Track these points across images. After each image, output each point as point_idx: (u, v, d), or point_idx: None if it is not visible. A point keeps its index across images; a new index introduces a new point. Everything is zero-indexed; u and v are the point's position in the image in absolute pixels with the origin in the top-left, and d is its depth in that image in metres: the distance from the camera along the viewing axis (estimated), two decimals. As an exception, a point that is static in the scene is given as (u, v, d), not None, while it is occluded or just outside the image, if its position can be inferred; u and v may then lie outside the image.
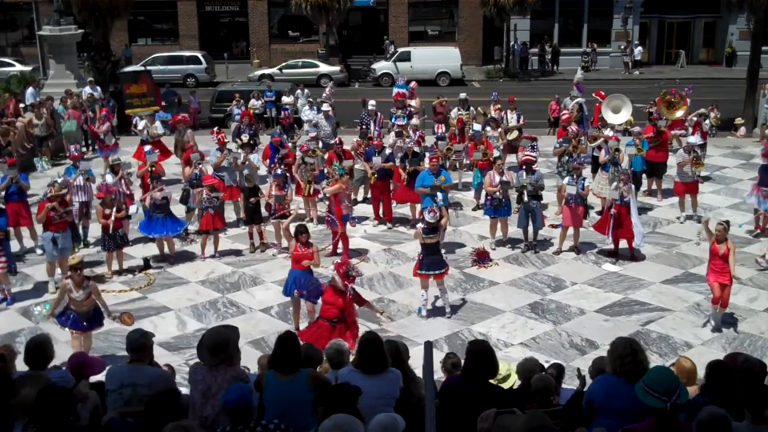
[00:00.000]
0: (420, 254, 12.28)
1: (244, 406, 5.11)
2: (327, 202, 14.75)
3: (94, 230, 15.12)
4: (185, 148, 17.90)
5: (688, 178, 16.08)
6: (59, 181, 14.02)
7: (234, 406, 5.10)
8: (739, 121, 24.18)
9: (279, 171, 14.85)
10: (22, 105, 22.66)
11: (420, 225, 12.43)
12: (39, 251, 14.45)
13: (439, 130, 19.82)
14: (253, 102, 23.93)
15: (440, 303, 12.48)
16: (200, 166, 15.49)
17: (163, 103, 23.61)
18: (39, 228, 13.94)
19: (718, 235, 11.52)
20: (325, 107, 20.04)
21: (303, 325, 11.57)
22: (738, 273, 11.99)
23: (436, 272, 12.10)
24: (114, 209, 13.56)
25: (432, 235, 12.06)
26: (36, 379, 5.58)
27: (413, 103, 20.50)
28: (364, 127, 18.88)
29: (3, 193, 14.36)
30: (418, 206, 15.97)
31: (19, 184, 14.49)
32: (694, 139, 17.11)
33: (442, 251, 12.72)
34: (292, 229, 12.12)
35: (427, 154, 17.47)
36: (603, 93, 20.75)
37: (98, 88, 23.86)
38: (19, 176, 14.70)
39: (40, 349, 6.43)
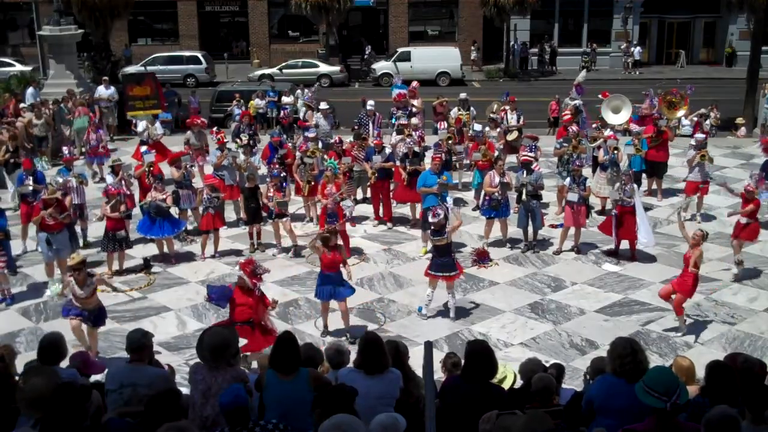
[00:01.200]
0: (432, 255, 12.27)
1: (241, 408, 5.10)
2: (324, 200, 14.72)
3: (94, 230, 15.13)
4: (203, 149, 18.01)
5: (699, 177, 16.03)
6: (59, 181, 14.02)
7: (230, 408, 5.09)
8: (739, 121, 24.19)
9: (275, 171, 14.82)
10: (22, 105, 22.65)
11: (430, 228, 12.39)
12: (39, 249, 14.42)
13: (442, 127, 19.80)
14: (257, 101, 23.98)
15: (437, 303, 12.42)
16: (190, 168, 15.46)
17: (165, 104, 23.60)
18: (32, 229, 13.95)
19: (693, 242, 11.45)
20: (323, 105, 20.07)
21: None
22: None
23: (447, 274, 12.00)
24: (109, 206, 13.58)
25: (440, 237, 11.97)
26: (44, 372, 5.61)
27: (415, 102, 20.53)
28: (356, 127, 18.85)
29: (30, 187, 14.48)
30: (419, 206, 15.98)
31: (34, 189, 14.57)
32: (700, 136, 17.14)
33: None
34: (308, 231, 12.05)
35: (428, 153, 17.48)
36: (608, 93, 20.68)
37: (112, 87, 23.85)
38: (37, 178, 14.80)
39: (54, 346, 6.49)
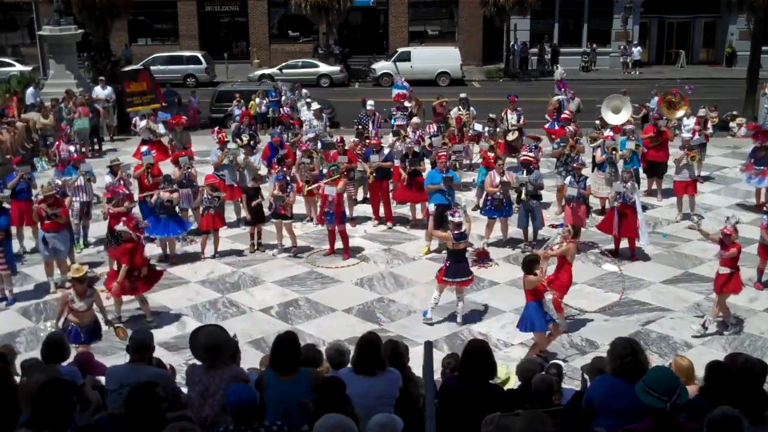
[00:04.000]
0: (446, 261, 12.02)
1: (251, 406, 5.09)
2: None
3: (94, 230, 15.13)
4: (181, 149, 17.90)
5: (686, 177, 16.07)
6: (57, 182, 14.02)
7: (239, 406, 5.07)
8: (739, 121, 24.15)
9: (281, 175, 14.82)
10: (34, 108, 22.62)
11: (449, 231, 12.05)
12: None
13: (431, 129, 19.73)
14: (258, 101, 24.03)
15: (444, 311, 12.32)
16: (189, 169, 15.49)
17: (164, 104, 23.61)
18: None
19: (563, 238, 11.48)
20: (315, 105, 20.10)
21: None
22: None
23: (462, 279, 11.87)
24: (113, 204, 13.55)
25: (462, 241, 11.81)
26: (47, 370, 5.64)
27: (406, 104, 20.52)
28: (360, 127, 18.86)
29: (9, 191, 14.40)
30: (418, 206, 16.00)
31: (29, 182, 14.54)
32: (697, 138, 17.15)
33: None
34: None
35: (432, 153, 17.47)
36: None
37: (109, 88, 23.83)
38: (30, 174, 14.78)
39: (58, 345, 6.51)
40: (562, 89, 21.30)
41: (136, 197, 15.41)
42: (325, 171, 15.46)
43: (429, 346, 5.42)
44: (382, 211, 16.35)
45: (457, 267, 11.85)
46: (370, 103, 19.82)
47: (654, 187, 17.79)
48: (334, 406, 4.99)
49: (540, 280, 10.59)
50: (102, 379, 7.00)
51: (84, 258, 14.42)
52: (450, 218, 12.03)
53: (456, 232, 11.85)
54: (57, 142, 18.26)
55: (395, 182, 16.40)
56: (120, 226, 12.11)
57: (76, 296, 10.41)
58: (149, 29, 43.39)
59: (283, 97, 23.20)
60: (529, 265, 10.55)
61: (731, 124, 23.95)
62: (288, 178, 14.92)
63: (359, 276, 13.92)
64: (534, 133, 19.04)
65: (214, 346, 5.87)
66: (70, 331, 10.35)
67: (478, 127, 18.56)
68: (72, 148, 16.62)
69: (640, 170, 17.55)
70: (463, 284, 11.97)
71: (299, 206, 16.14)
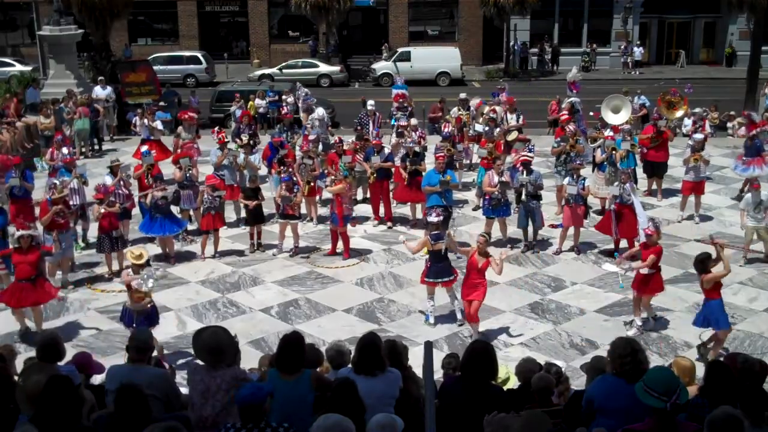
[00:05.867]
0: (427, 261, 12.08)
1: (257, 405, 5.10)
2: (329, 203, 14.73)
3: (94, 231, 15.10)
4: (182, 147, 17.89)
5: (696, 176, 16.02)
6: (58, 183, 14.02)
7: (244, 404, 5.08)
8: (740, 120, 24.14)
9: (286, 176, 14.80)
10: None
11: (426, 232, 12.21)
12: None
13: (446, 129, 19.61)
14: (258, 102, 24.04)
15: (443, 311, 12.34)
16: (191, 171, 15.48)
17: (163, 103, 23.60)
18: (40, 227, 13.89)
19: (479, 247, 11.30)
20: (320, 109, 20.10)
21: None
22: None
23: (444, 280, 11.87)
24: (105, 204, 13.54)
25: (440, 242, 11.85)
26: (47, 370, 5.63)
27: (405, 104, 20.51)
28: (359, 128, 18.81)
29: (7, 192, 14.44)
30: (419, 206, 15.99)
31: (22, 186, 14.53)
32: (699, 136, 17.17)
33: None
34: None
35: (429, 153, 17.45)
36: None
37: (109, 88, 23.83)
38: (25, 177, 14.75)
39: (53, 343, 6.52)
40: (575, 91, 21.12)
41: (136, 198, 15.45)
42: (326, 171, 15.46)
43: (429, 346, 5.43)
44: (382, 211, 16.35)
45: (437, 267, 11.83)
46: (370, 103, 19.78)
47: (654, 187, 17.78)
48: (347, 407, 5.00)
49: (724, 274, 10.65)
50: (99, 378, 7.02)
51: (84, 258, 14.46)
52: (428, 219, 12.05)
53: (433, 232, 11.85)
54: (50, 150, 17.52)
55: (396, 182, 16.39)
56: (18, 232, 11.59)
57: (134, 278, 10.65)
58: (149, 29, 43.40)
59: (287, 99, 23.13)
60: (703, 263, 10.69)
61: (729, 124, 23.95)
62: (294, 178, 14.95)
63: (359, 276, 13.92)
64: (523, 135, 18.96)
65: (217, 347, 5.88)
66: (124, 315, 10.80)
67: (478, 127, 18.54)
68: (66, 151, 16.57)
69: (639, 170, 17.57)
70: (446, 284, 11.93)
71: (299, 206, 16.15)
